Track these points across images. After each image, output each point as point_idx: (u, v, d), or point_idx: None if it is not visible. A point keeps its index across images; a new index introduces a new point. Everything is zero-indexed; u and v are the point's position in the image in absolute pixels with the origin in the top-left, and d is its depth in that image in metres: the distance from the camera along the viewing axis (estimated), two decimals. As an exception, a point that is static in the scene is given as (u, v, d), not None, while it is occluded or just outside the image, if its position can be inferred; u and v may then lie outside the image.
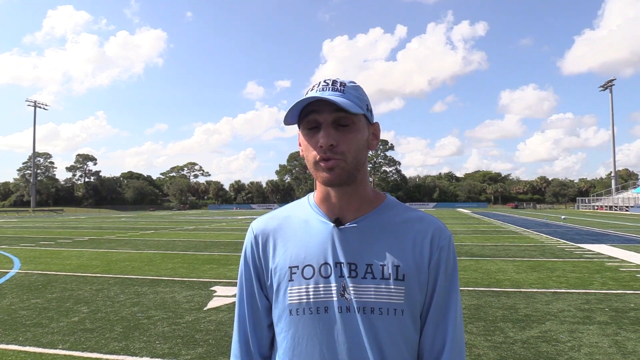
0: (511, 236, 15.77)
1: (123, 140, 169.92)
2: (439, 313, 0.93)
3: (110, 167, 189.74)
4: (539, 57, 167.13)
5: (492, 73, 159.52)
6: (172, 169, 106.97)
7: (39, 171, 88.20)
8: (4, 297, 6.28)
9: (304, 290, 0.92)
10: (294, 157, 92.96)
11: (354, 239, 0.93)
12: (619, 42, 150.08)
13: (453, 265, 0.95)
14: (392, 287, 0.89)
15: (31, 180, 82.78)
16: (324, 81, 0.92)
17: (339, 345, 0.89)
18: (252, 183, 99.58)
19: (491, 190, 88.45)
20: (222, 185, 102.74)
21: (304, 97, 0.88)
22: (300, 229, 0.98)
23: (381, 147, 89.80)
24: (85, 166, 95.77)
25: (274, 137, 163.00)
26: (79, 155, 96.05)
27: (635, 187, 57.49)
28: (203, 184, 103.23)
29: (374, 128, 0.99)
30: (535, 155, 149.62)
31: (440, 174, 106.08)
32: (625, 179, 74.44)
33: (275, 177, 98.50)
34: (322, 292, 0.91)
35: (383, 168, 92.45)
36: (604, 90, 66.94)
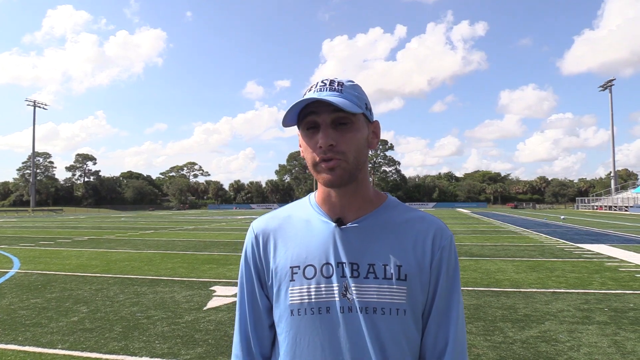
0: (511, 236, 15.77)
1: (122, 140, 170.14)
2: (441, 313, 0.93)
3: (109, 166, 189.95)
4: (538, 57, 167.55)
5: (491, 73, 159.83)
6: (172, 169, 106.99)
7: (38, 171, 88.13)
8: (3, 296, 6.28)
9: (306, 290, 0.92)
10: (294, 157, 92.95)
11: (355, 238, 0.93)
12: (619, 42, 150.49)
13: (454, 265, 0.95)
14: (394, 287, 0.89)
15: (31, 180, 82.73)
16: (322, 81, 0.92)
17: (341, 346, 0.88)
18: (251, 183, 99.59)
19: (491, 190, 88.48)
20: (221, 185, 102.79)
21: (302, 99, 0.88)
22: (301, 229, 0.97)
23: (381, 147, 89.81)
24: (85, 166, 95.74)
25: (274, 137, 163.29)
26: (78, 155, 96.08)
27: (634, 187, 57.54)
28: (203, 183, 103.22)
29: (374, 126, 0.98)
30: (534, 155, 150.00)
31: (439, 173, 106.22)
32: (624, 179, 74.48)
33: (274, 177, 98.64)
34: (323, 292, 0.91)
35: (383, 168, 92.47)
36: (603, 90, 66.96)
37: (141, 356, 3.87)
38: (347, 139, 0.89)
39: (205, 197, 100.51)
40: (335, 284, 0.91)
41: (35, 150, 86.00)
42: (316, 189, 1.03)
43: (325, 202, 0.98)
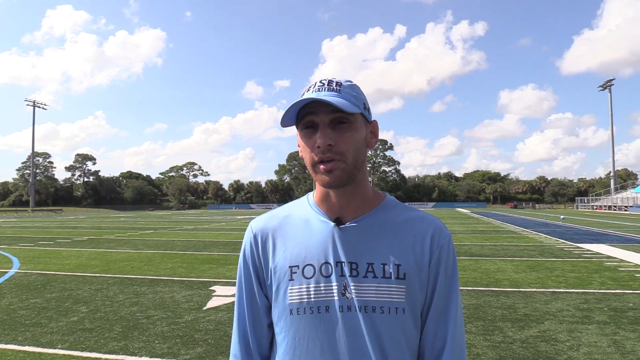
0: (510, 236, 15.78)
1: (122, 140, 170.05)
2: (439, 312, 0.93)
3: (109, 166, 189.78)
4: (538, 57, 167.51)
5: (491, 73, 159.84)
6: (171, 169, 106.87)
7: (38, 171, 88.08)
8: (3, 296, 6.28)
9: (305, 289, 0.92)
10: (293, 157, 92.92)
11: (354, 238, 0.94)
12: (618, 42, 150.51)
13: (453, 264, 0.96)
14: (393, 286, 0.90)
15: (30, 180, 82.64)
16: (320, 81, 0.92)
17: (340, 345, 0.89)
18: (251, 183, 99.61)
19: (490, 190, 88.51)
20: (221, 185, 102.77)
21: (300, 99, 0.88)
22: (300, 229, 0.98)
23: (380, 146, 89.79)
24: (85, 166, 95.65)
25: (273, 136, 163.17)
26: (78, 155, 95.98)
27: (634, 187, 57.55)
28: (202, 183, 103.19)
29: (372, 126, 0.99)
30: (534, 155, 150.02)
31: (439, 173, 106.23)
32: (624, 178, 74.52)
33: (274, 177, 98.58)
34: (323, 292, 0.91)
35: (382, 168, 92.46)
36: (603, 90, 66.96)
37: (141, 356, 3.87)
38: (345, 139, 0.89)
39: (204, 197, 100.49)
40: (334, 283, 0.91)
41: (35, 150, 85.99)
42: (315, 188, 1.04)
43: (324, 202, 0.98)
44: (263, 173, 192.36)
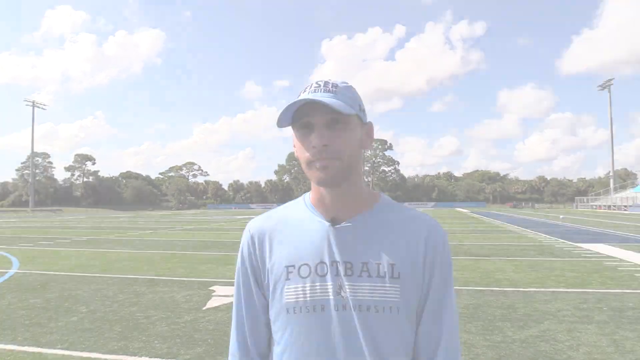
0: (510, 235, 15.79)
1: (122, 140, 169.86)
2: (434, 311, 0.94)
3: (108, 167, 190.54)
4: (537, 56, 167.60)
5: (490, 72, 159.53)
6: (171, 169, 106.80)
7: (37, 171, 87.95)
8: (2, 297, 6.28)
9: (301, 289, 0.93)
10: (293, 157, 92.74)
11: (349, 237, 0.94)
12: (618, 42, 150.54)
13: (448, 264, 0.96)
14: (388, 285, 0.91)
15: (30, 180, 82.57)
16: (316, 82, 0.93)
17: (336, 343, 0.90)
18: (250, 183, 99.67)
19: (490, 189, 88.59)
20: (220, 185, 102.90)
21: (296, 100, 0.89)
22: (296, 229, 0.99)
23: (380, 146, 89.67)
24: (84, 166, 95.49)
25: (273, 136, 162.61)
26: (77, 155, 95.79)
27: (634, 187, 57.59)
28: (202, 183, 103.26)
29: (368, 128, 1.00)
30: (533, 155, 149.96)
31: (439, 173, 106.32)
32: (623, 178, 74.43)
33: (274, 177, 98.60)
34: (318, 291, 0.92)
35: (382, 168, 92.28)
36: (602, 89, 66.94)
37: (140, 356, 3.88)
38: (341, 140, 0.90)
39: (204, 197, 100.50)
40: (329, 283, 0.92)
41: (34, 150, 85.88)
42: (311, 189, 1.04)
43: (320, 202, 0.99)
44: (262, 173, 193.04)
